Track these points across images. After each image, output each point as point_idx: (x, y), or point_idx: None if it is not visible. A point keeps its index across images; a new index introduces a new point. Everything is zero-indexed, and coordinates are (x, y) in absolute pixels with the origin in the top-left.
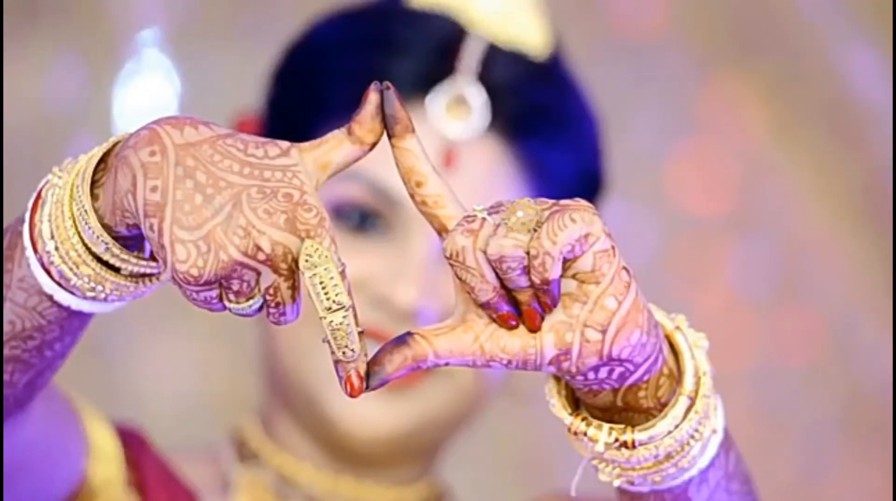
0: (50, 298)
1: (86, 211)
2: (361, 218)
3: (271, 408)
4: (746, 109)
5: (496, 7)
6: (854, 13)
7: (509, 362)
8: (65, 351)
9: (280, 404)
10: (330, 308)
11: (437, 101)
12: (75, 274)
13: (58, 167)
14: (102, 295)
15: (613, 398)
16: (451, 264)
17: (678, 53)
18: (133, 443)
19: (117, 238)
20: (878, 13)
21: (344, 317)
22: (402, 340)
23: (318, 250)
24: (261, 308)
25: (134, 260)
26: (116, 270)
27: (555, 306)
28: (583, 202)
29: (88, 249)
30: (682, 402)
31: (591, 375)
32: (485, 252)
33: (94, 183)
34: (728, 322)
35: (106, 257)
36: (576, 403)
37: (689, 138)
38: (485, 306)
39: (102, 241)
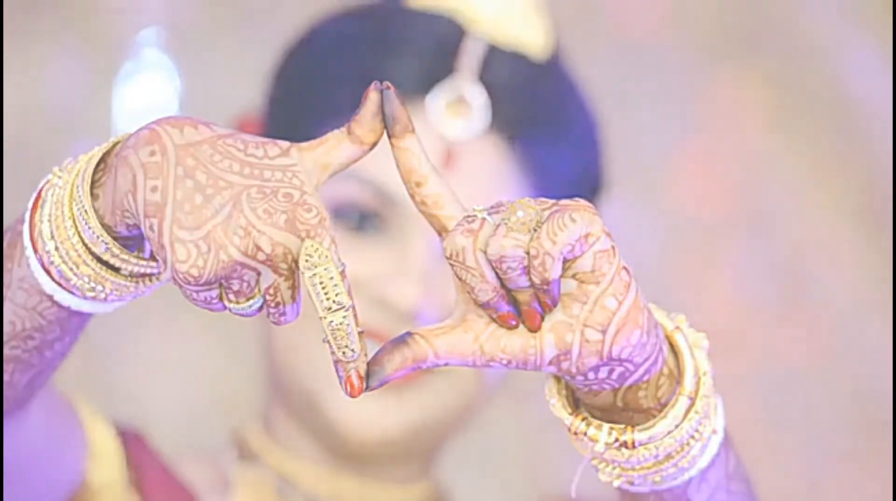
0: (50, 298)
1: (86, 211)
2: (361, 218)
3: (271, 408)
4: (746, 108)
5: (496, 7)
6: (854, 13)
7: (509, 362)
8: (65, 351)
9: (280, 403)
10: (330, 308)
11: (437, 101)
12: (75, 274)
13: (58, 167)
14: (102, 295)
15: (613, 398)
16: (451, 265)
17: (678, 53)
18: (133, 443)
19: (117, 238)
20: (878, 13)
21: (344, 317)
22: (401, 340)
23: (318, 250)
24: (261, 308)
25: (134, 260)
26: (116, 270)
27: (555, 306)
28: (583, 202)
29: (88, 249)
30: (682, 402)
31: (591, 375)
32: (485, 252)
33: (94, 183)
34: (728, 322)
35: (106, 257)
36: (576, 403)
37: (689, 138)
38: (485, 306)
39: (102, 241)
